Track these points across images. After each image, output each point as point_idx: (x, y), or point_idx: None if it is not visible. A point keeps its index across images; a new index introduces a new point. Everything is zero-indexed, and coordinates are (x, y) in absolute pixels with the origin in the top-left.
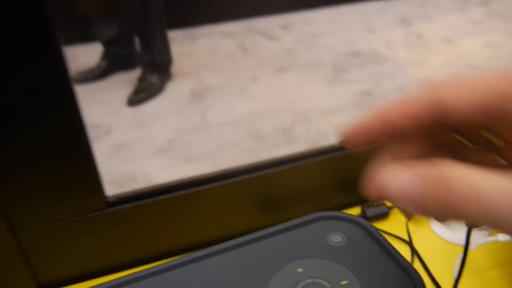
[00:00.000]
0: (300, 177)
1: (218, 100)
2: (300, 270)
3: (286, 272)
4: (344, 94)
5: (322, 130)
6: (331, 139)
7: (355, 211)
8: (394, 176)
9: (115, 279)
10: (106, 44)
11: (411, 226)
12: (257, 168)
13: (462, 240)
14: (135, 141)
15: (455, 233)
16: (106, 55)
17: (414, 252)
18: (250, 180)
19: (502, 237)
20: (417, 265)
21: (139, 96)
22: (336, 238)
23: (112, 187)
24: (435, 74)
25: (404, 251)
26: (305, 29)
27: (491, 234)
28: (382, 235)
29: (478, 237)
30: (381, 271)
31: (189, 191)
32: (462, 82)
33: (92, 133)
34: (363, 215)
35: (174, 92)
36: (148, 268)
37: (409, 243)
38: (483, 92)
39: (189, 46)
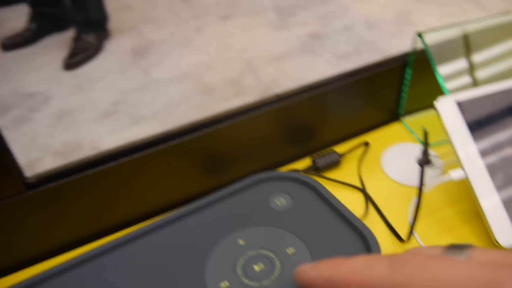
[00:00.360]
0: (247, 131)
1: (162, 56)
2: (241, 242)
3: (226, 245)
4: (292, 38)
5: (272, 78)
6: (282, 85)
7: (305, 162)
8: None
9: (44, 272)
10: (33, 4)
11: (364, 172)
12: (201, 126)
13: (416, 182)
14: (77, 107)
15: (408, 175)
16: (34, 16)
17: (368, 198)
18: (194, 139)
19: (455, 175)
20: (371, 211)
21: (75, 58)
22: (280, 201)
23: (57, 158)
24: (381, 10)
25: (358, 198)
26: None
27: (443, 173)
28: (329, 192)
29: (432, 177)
30: (331, 233)
31: (122, 160)
32: (428, 281)
33: (29, 103)
34: (314, 165)
35: (114, 51)
36: (81, 255)
37: (362, 190)
38: None
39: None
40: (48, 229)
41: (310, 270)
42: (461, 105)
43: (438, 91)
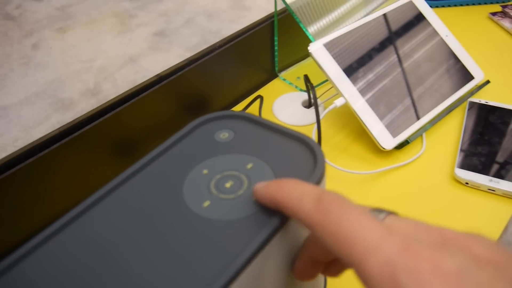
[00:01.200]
0: (145, 111)
1: (2, 80)
2: (205, 171)
3: (194, 178)
4: (139, 39)
5: (130, 79)
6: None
7: None
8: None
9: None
10: None
11: None
12: (100, 113)
13: (304, 121)
14: None
15: (297, 116)
16: None
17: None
18: (97, 127)
19: (338, 102)
20: None
21: None
22: (224, 135)
23: None
24: (216, 1)
25: None
26: None
27: (326, 104)
28: (266, 119)
29: (319, 111)
30: (280, 147)
31: (37, 156)
32: (336, 230)
33: None
34: None
35: None
36: (60, 219)
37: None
38: (341, 251)
39: None
40: None
41: (261, 189)
42: (327, 46)
43: (303, 45)
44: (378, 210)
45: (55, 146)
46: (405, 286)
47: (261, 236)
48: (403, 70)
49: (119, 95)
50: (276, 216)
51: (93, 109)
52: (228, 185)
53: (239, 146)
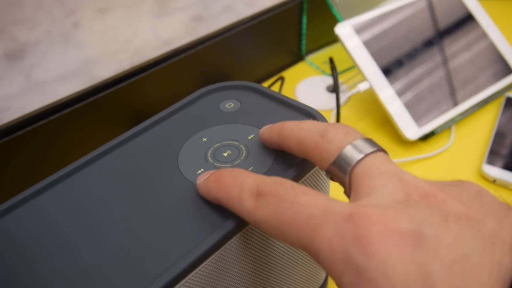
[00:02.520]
0: (166, 80)
1: (42, 56)
2: (204, 139)
3: (191, 145)
4: (176, 23)
5: None
6: None
7: None
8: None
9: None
10: None
11: None
12: (120, 79)
13: (327, 106)
14: None
15: (320, 100)
16: None
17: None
18: (117, 92)
19: (362, 86)
20: None
21: None
22: (230, 105)
23: None
24: None
25: None
26: None
27: (350, 89)
28: (273, 90)
29: (342, 96)
30: (283, 119)
31: (51, 118)
32: (276, 219)
33: None
34: None
35: None
36: (44, 180)
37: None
38: (289, 238)
39: None
40: None
41: (201, 186)
42: (356, 27)
43: (331, 29)
44: (359, 145)
45: (70, 109)
46: (355, 257)
47: None
48: (435, 56)
49: (138, 65)
50: None
51: (111, 77)
52: (225, 154)
53: (244, 117)
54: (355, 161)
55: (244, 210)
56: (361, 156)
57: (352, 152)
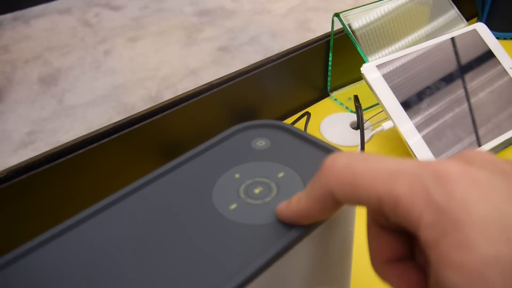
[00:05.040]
0: (195, 114)
1: (73, 81)
2: (237, 175)
3: (225, 181)
4: (203, 53)
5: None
6: None
7: None
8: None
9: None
10: None
11: None
12: (152, 113)
13: (350, 142)
14: None
15: (344, 137)
16: None
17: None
18: (148, 126)
19: (386, 125)
20: None
21: None
22: (260, 143)
23: None
24: (282, 21)
25: None
26: None
27: (374, 127)
28: (302, 130)
29: (366, 132)
30: (311, 159)
31: (86, 149)
32: (349, 177)
33: None
34: None
35: (21, 81)
36: (83, 211)
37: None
38: (365, 193)
39: (23, 29)
40: (25, 221)
41: (284, 210)
42: (380, 67)
43: (358, 66)
44: None
45: (102, 141)
46: (436, 196)
47: (280, 243)
48: (459, 99)
49: (170, 99)
50: (298, 227)
51: (144, 110)
52: (257, 191)
53: (274, 155)
54: None
55: (317, 187)
56: None
57: None
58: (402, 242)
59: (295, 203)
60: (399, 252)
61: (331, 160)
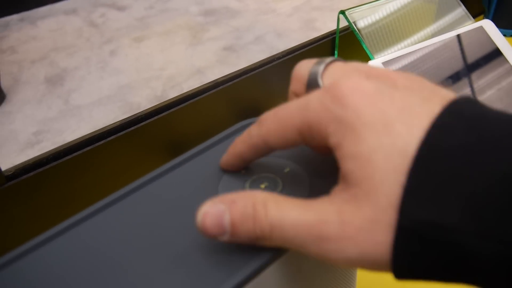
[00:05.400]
0: (201, 112)
1: (80, 81)
2: (243, 171)
3: (230, 177)
4: (208, 52)
5: None
6: None
7: None
8: (205, 210)
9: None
10: None
11: None
12: (159, 110)
13: None
14: None
15: None
16: None
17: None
18: (155, 122)
19: None
20: None
21: None
22: None
23: None
24: (287, 20)
25: None
26: None
27: None
28: None
29: None
30: (315, 154)
31: (92, 147)
32: (275, 124)
33: None
34: None
35: (27, 82)
36: (91, 207)
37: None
38: (288, 132)
39: (30, 30)
40: (33, 218)
41: (223, 158)
42: (386, 65)
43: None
44: (320, 61)
45: (108, 139)
46: (334, 110)
47: None
48: (464, 94)
49: (175, 96)
50: None
51: (150, 107)
52: (262, 185)
53: (279, 151)
54: (321, 69)
55: (253, 135)
56: (323, 65)
57: (316, 67)
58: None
59: (232, 148)
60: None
61: (265, 114)
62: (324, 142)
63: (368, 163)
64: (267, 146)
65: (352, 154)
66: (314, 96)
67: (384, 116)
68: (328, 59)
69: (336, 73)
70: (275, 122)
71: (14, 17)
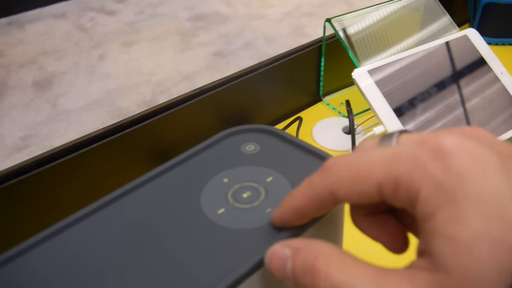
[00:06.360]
0: (187, 119)
1: (68, 86)
2: (225, 180)
3: (213, 185)
4: (198, 58)
5: None
6: None
7: None
8: (273, 250)
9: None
10: None
11: None
12: (143, 117)
13: (342, 147)
14: None
15: (336, 142)
16: None
17: None
18: (139, 130)
19: (378, 130)
20: None
21: None
22: (250, 147)
23: None
24: (276, 26)
25: None
26: (143, 0)
27: (366, 131)
28: (291, 135)
29: (358, 137)
30: (300, 163)
31: (77, 153)
32: (349, 173)
33: None
34: None
35: (15, 86)
36: (76, 213)
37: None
38: (365, 184)
39: (17, 34)
40: (18, 224)
41: (277, 211)
42: (372, 72)
43: (350, 71)
44: (387, 136)
45: (94, 145)
46: (433, 171)
47: (268, 246)
48: (452, 105)
49: (161, 103)
50: (287, 230)
51: (135, 114)
52: (245, 195)
53: (263, 159)
54: (396, 134)
55: (315, 187)
56: (396, 135)
57: (385, 141)
58: None
59: (288, 201)
60: (378, 206)
61: (332, 161)
62: (409, 204)
63: (467, 251)
64: (334, 198)
65: (448, 234)
66: (405, 148)
67: (496, 194)
68: (396, 131)
69: (415, 137)
70: (348, 171)
71: (2, 20)
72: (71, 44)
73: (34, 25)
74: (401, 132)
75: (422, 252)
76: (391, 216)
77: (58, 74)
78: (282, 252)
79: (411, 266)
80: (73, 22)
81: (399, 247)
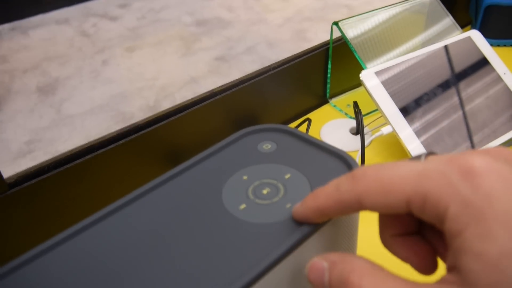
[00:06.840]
0: (198, 122)
1: (71, 91)
2: (245, 177)
3: (234, 182)
4: (200, 62)
5: (189, 99)
6: None
7: None
8: (312, 262)
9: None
10: None
11: None
12: (157, 119)
13: (351, 148)
14: None
15: (344, 142)
16: None
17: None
18: (151, 133)
19: (385, 130)
20: None
21: None
22: (267, 146)
23: None
24: (278, 30)
25: None
26: (145, 5)
27: (373, 132)
28: (307, 134)
29: (365, 138)
30: (317, 161)
31: (94, 154)
32: (378, 185)
33: None
34: None
35: (19, 91)
36: (92, 216)
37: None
38: (394, 197)
39: (21, 39)
40: (33, 225)
41: (300, 207)
42: (379, 74)
43: (357, 73)
44: (415, 157)
45: (108, 147)
46: (461, 189)
47: (290, 240)
48: (456, 105)
49: (173, 106)
50: (307, 224)
51: (147, 117)
52: (265, 191)
53: (280, 157)
54: (424, 155)
55: (343, 193)
56: (425, 154)
57: (412, 158)
58: (410, 218)
59: (312, 200)
60: (407, 227)
61: (362, 170)
62: (437, 220)
63: (495, 268)
64: (360, 206)
65: (476, 251)
66: (434, 165)
67: None
68: (424, 152)
69: (444, 157)
70: (377, 182)
71: (5, 26)
72: (74, 49)
73: (38, 30)
74: (429, 153)
75: (451, 268)
76: (420, 237)
77: (61, 79)
78: (320, 264)
79: (442, 281)
80: (76, 28)
81: (428, 268)
